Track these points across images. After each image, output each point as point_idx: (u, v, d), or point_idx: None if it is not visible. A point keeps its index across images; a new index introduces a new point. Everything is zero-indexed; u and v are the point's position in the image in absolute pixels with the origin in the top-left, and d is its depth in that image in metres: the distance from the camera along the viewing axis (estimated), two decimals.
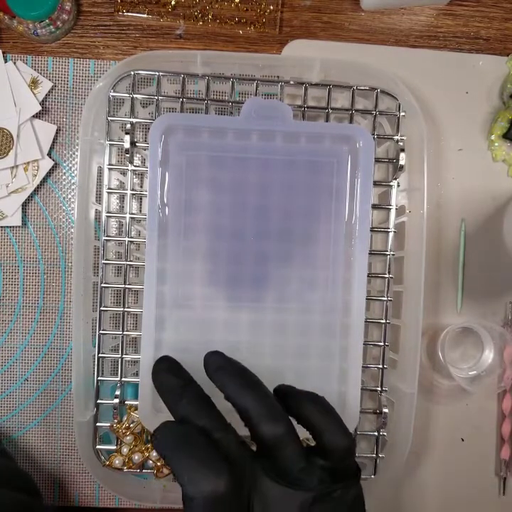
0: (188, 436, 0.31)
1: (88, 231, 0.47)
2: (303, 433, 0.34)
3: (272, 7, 0.52)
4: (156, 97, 0.46)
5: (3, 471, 0.47)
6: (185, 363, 0.36)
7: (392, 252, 0.48)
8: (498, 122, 0.53)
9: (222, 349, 0.36)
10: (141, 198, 0.50)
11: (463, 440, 0.55)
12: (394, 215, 0.48)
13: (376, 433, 0.48)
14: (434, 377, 0.54)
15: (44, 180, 0.51)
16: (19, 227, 0.52)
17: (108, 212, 0.47)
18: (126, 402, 0.48)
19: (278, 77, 0.48)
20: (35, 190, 0.51)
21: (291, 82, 0.47)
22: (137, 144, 0.46)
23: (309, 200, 0.44)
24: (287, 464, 0.32)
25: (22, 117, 0.49)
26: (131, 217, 0.47)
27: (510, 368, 0.52)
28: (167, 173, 0.43)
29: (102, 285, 0.47)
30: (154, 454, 0.48)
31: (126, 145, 0.44)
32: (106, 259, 0.47)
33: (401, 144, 0.47)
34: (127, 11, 0.52)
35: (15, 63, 0.50)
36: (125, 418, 0.48)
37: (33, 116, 0.50)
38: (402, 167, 0.46)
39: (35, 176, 0.51)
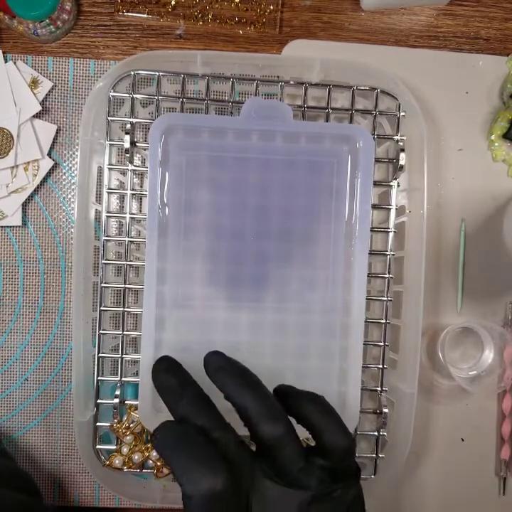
0: (187, 436, 0.31)
1: (88, 231, 0.47)
2: (303, 433, 0.34)
3: (272, 7, 0.52)
4: (156, 97, 0.46)
5: (3, 471, 0.47)
6: (185, 362, 0.36)
7: (392, 252, 0.48)
8: (498, 122, 0.53)
9: (222, 349, 0.36)
10: (141, 198, 0.50)
11: (463, 440, 0.55)
12: (394, 215, 0.48)
13: (376, 433, 0.48)
14: (434, 377, 0.54)
15: (44, 180, 0.51)
16: (19, 227, 0.52)
17: (108, 212, 0.47)
18: (126, 402, 0.48)
19: (278, 77, 0.48)
20: (35, 190, 0.51)
21: (291, 82, 0.47)
22: (137, 144, 0.46)
23: (309, 200, 0.44)
24: (286, 464, 0.32)
25: (22, 117, 0.49)
26: (131, 218, 0.47)
27: (510, 367, 0.52)
28: (167, 173, 0.43)
29: (102, 285, 0.47)
30: (154, 453, 0.48)
31: (126, 145, 0.44)
32: (106, 259, 0.47)
33: (401, 144, 0.47)
34: (127, 11, 0.52)
35: (15, 63, 0.50)
36: (125, 418, 0.48)
37: (33, 116, 0.50)
38: (402, 167, 0.46)
39: (35, 175, 0.51)
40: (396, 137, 0.48)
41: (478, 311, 0.54)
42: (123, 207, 0.50)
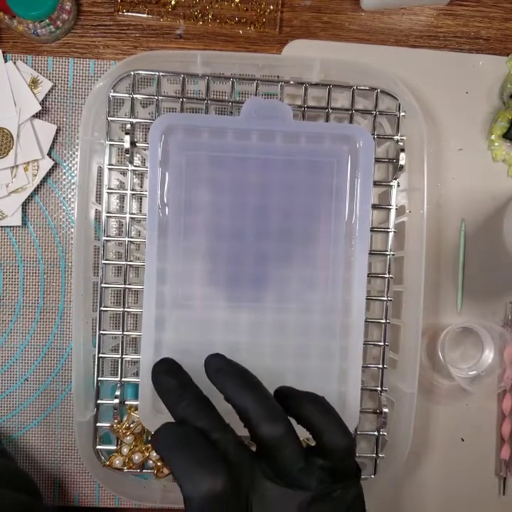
0: (187, 437, 0.31)
1: (88, 231, 0.47)
2: (303, 433, 0.34)
3: (272, 7, 0.52)
4: (156, 97, 0.46)
5: (3, 471, 0.47)
6: (185, 363, 0.36)
7: (392, 252, 0.48)
8: (498, 122, 0.53)
9: (222, 349, 0.36)
10: (141, 198, 0.50)
11: (463, 440, 0.55)
12: (394, 215, 0.48)
13: (376, 433, 0.48)
14: (434, 377, 0.54)
15: (44, 180, 0.51)
16: (19, 227, 0.52)
17: (108, 212, 0.47)
18: (126, 403, 0.48)
19: (278, 77, 0.48)
20: (35, 190, 0.51)
21: (291, 82, 0.47)
22: (137, 144, 0.46)
23: (309, 200, 0.44)
24: (286, 465, 0.32)
25: (22, 117, 0.49)
26: (131, 218, 0.47)
27: (510, 367, 0.52)
28: (167, 173, 0.43)
29: (102, 285, 0.47)
30: (154, 454, 0.48)
31: (126, 145, 0.44)
32: (106, 259, 0.47)
33: (401, 144, 0.47)
34: (127, 11, 0.52)
35: (15, 63, 0.50)
36: (125, 418, 0.48)
37: (33, 116, 0.50)
38: (402, 167, 0.46)
39: (35, 175, 0.51)
40: (396, 137, 0.47)
41: (478, 311, 0.54)
42: (123, 207, 0.50)
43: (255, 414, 0.32)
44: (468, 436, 0.55)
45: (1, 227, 0.52)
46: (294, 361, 0.45)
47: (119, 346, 0.47)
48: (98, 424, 0.48)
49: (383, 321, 0.48)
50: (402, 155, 0.45)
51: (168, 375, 0.35)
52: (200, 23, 0.52)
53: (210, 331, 0.44)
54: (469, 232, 0.54)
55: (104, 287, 0.47)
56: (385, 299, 0.48)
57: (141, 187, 0.50)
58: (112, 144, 0.47)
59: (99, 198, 0.48)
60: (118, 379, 0.47)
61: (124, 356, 0.47)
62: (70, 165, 0.52)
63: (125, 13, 0.52)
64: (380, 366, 0.48)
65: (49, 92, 0.51)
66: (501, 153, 0.53)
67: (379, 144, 0.49)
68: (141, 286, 0.44)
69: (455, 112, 0.54)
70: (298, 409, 0.34)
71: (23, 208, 0.51)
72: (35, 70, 0.51)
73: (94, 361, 0.47)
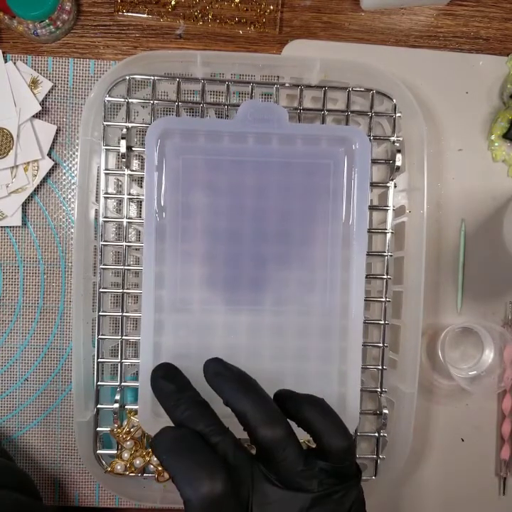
0: (185, 441, 0.32)
1: (88, 231, 0.47)
2: (303, 435, 0.34)
3: (272, 7, 0.52)
4: (152, 102, 0.46)
5: (3, 471, 0.47)
6: (184, 366, 0.36)
7: (389, 253, 0.48)
8: (498, 122, 0.53)
9: (221, 352, 0.36)
10: (140, 202, 0.50)
11: (463, 440, 0.55)
12: (391, 215, 0.48)
13: (376, 434, 0.48)
14: (434, 377, 0.54)
15: (44, 180, 0.51)
16: (19, 227, 0.52)
17: (106, 216, 0.47)
18: (126, 407, 0.48)
19: (278, 77, 0.48)
20: (35, 190, 0.51)
21: (287, 85, 0.47)
22: (133, 149, 0.46)
23: (306, 202, 0.44)
24: (286, 467, 0.32)
25: (22, 117, 0.49)
26: (129, 222, 0.47)
27: (510, 368, 0.52)
28: (164, 177, 0.43)
29: (100, 290, 0.47)
30: (155, 458, 0.48)
31: (123, 150, 0.44)
32: (104, 264, 0.47)
33: (397, 144, 0.47)
34: (127, 11, 0.52)
35: (15, 63, 0.50)
36: (125, 423, 0.48)
37: (33, 116, 0.50)
38: (398, 168, 0.46)
39: (35, 175, 0.51)
40: (392, 138, 0.47)
41: (478, 311, 0.54)
42: (120, 210, 0.50)
43: (254, 417, 0.32)
44: (468, 437, 0.55)
45: (1, 227, 0.52)
46: (293, 363, 0.44)
47: (118, 347, 0.47)
48: (98, 429, 0.48)
49: (382, 322, 0.48)
50: (399, 156, 0.45)
51: (167, 379, 0.35)
52: (200, 23, 0.52)
53: (209, 334, 0.44)
54: (469, 232, 0.54)
55: (103, 292, 0.47)
56: (384, 299, 0.48)
57: (141, 187, 0.50)
58: (109, 149, 0.46)
59: (98, 198, 0.48)
60: (118, 383, 0.47)
61: (123, 361, 0.47)
62: (70, 165, 0.52)
63: (125, 13, 0.52)
64: (380, 367, 0.48)
65: (49, 92, 0.51)
66: (501, 153, 0.53)
67: (378, 144, 0.49)
68: (140, 291, 0.43)
69: (455, 111, 0.54)
70: (297, 411, 0.34)
71: (23, 208, 0.51)
72: (35, 70, 0.51)
73: (94, 362, 0.47)
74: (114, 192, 0.49)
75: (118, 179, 0.50)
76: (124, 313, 0.47)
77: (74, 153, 0.52)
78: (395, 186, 0.48)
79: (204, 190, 0.43)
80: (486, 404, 0.55)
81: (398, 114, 0.47)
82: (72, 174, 0.52)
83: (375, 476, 0.49)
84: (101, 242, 0.47)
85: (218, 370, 0.35)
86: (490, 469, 0.55)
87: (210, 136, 0.43)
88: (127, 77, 0.46)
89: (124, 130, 0.45)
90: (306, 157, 0.44)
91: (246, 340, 0.44)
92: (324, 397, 0.35)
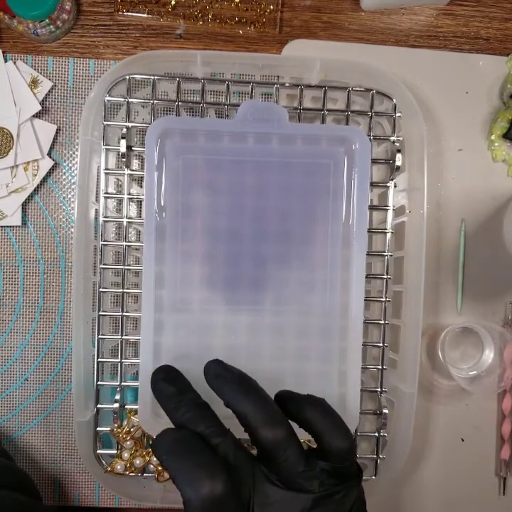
0: (185, 441, 0.32)
1: (88, 231, 0.47)
2: (304, 435, 0.34)
3: (272, 7, 0.52)
4: (152, 101, 0.46)
5: (3, 471, 0.47)
6: (184, 367, 0.36)
7: (389, 253, 0.48)
8: (498, 122, 0.53)
9: (221, 352, 0.36)
10: (140, 201, 0.50)
11: (463, 440, 0.55)
12: (391, 215, 0.48)
13: (376, 434, 0.48)
14: (434, 377, 0.54)
15: (44, 180, 0.51)
16: (19, 227, 0.52)
17: (106, 216, 0.47)
18: (126, 407, 0.48)
19: (278, 77, 0.48)
20: (35, 190, 0.51)
21: (287, 84, 0.47)
22: (133, 148, 0.46)
23: (306, 202, 0.44)
24: (287, 468, 0.33)
25: (22, 117, 0.49)
26: (129, 222, 0.47)
27: (510, 368, 0.52)
28: (164, 177, 0.43)
29: (100, 290, 0.47)
30: (155, 458, 0.48)
31: (123, 149, 0.44)
32: (104, 264, 0.47)
33: (397, 144, 0.47)
34: (127, 11, 0.52)
35: (15, 63, 0.50)
36: (125, 423, 0.48)
37: (33, 115, 0.50)
38: (398, 168, 0.46)
39: (35, 175, 0.51)
40: (392, 138, 0.47)
41: (478, 311, 0.54)
42: (120, 210, 0.50)
43: (255, 418, 0.32)
44: (468, 436, 0.55)
45: (1, 227, 0.52)
46: (294, 363, 0.44)
47: (118, 346, 0.47)
48: (98, 429, 0.48)
49: (382, 322, 0.48)
50: (399, 155, 0.46)
51: (167, 382, 0.35)
52: (200, 23, 0.52)
53: (209, 334, 0.44)
54: (469, 232, 0.54)
55: (103, 292, 0.47)
56: (384, 299, 0.48)
57: (141, 187, 0.50)
58: (108, 148, 0.46)
59: (98, 198, 0.48)
60: (118, 383, 0.47)
61: (123, 361, 0.47)
62: (70, 165, 0.52)
63: (125, 13, 0.52)
64: (380, 367, 0.48)
65: (49, 92, 0.51)
66: (501, 153, 0.53)
67: (378, 144, 0.49)
68: (140, 290, 0.43)
69: (455, 111, 0.54)
70: (298, 412, 0.34)
71: (23, 208, 0.51)
72: (35, 69, 0.51)
73: (94, 362, 0.47)
74: (114, 192, 0.49)
75: (118, 179, 0.50)
76: (124, 313, 0.47)
77: (74, 153, 0.52)
78: (395, 186, 0.48)
79: (204, 190, 0.43)
80: (486, 404, 0.55)
81: (398, 114, 0.47)
82: (72, 174, 0.52)
83: (375, 475, 0.49)
84: (101, 242, 0.47)
85: (219, 371, 0.35)
86: (490, 469, 0.55)
87: (210, 136, 0.43)
88: (127, 77, 0.46)
89: (124, 130, 0.45)
90: (306, 157, 0.44)
91: (246, 340, 0.44)
92: (324, 397, 0.35)
